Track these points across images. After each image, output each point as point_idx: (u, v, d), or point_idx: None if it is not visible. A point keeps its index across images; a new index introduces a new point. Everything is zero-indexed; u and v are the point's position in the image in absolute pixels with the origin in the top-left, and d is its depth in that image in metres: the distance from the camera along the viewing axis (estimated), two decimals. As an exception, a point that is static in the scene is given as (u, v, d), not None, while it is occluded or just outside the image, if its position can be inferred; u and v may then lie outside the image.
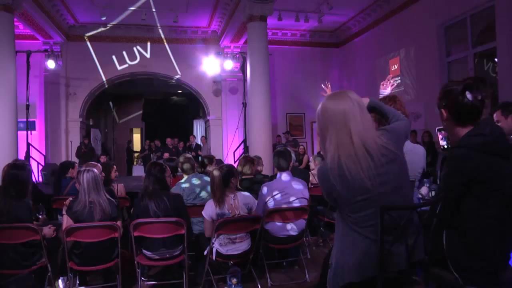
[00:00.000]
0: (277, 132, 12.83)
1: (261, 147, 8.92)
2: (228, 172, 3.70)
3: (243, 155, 6.69)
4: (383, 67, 11.32)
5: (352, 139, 1.74)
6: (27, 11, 9.82)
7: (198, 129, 16.09)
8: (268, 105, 9.33)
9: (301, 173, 5.53)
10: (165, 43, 13.14)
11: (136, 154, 16.37)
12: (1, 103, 8.44)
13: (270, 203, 4.05)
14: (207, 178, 4.67)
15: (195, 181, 4.54)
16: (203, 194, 4.51)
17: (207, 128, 14.76)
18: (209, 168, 5.14)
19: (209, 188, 4.60)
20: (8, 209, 3.49)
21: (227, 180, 3.67)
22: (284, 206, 4.04)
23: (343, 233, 1.83)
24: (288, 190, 4.08)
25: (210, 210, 3.66)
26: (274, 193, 4.06)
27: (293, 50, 13.52)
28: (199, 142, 13.88)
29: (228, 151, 12.44)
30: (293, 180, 4.16)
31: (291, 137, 12.47)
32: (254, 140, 9.27)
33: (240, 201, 3.71)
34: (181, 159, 4.71)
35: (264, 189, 4.09)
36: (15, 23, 9.35)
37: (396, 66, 10.85)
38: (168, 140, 13.34)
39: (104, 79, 12.76)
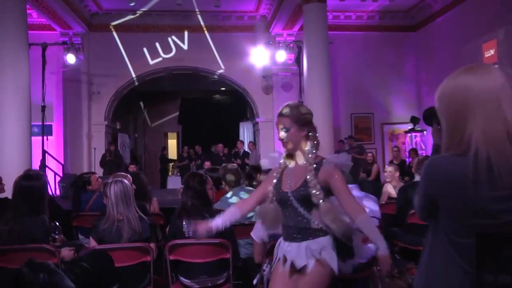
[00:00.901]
0: (339, 136, 12.66)
1: (320, 155, 8.79)
2: None
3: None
4: (474, 54, 10.87)
5: (509, 131, 1.51)
6: (42, -5, 10.21)
7: (245, 133, 16.19)
8: (328, 104, 9.24)
9: (370, 186, 5.38)
10: (205, 32, 13.36)
11: (171, 163, 16.71)
12: (12, 104, 8.73)
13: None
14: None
15: (244, 195, 4.55)
16: (252, 212, 4.49)
17: (255, 132, 14.81)
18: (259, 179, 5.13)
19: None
20: (20, 228, 3.58)
21: None
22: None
23: (435, 259, 1.68)
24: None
25: (260, 230, 3.62)
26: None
27: (359, 36, 13.32)
28: (246, 148, 13.93)
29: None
30: (361, 195, 4.05)
31: (356, 142, 12.26)
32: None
33: None
34: (225, 169, 4.74)
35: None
36: (28, 11, 9.69)
37: (492, 52, 10.39)
38: (219, 147, 13.48)
39: (133, 75, 13.16)
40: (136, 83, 13.53)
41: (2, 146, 8.74)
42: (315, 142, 2.87)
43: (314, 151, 2.83)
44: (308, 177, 2.72)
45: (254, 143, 13.93)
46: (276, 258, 2.92)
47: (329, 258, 2.71)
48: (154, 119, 19.25)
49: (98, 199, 5.12)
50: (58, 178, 10.98)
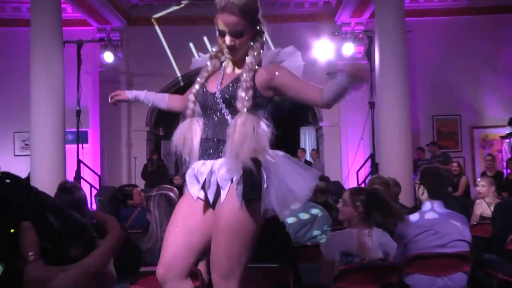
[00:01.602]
0: (418, 143, 12.42)
1: (396, 165, 8.72)
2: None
3: (372, 175, 6.56)
4: None
5: None
6: (77, -12, 10.63)
7: (307, 139, 16.24)
8: (405, 105, 9.11)
9: (457, 203, 5.25)
10: (260, 23, 13.45)
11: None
12: (45, 108, 9.08)
13: (413, 246, 3.89)
14: (318, 210, 4.68)
15: (303, 215, 4.58)
16: (316, 232, 4.55)
17: (319, 138, 14.78)
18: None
19: (323, 223, 4.66)
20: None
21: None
22: (434, 251, 3.86)
23: None
24: (439, 227, 3.89)
25: (334, 245, 3.63)
26: (418, 232, 3.90)
27: (442, 22, 13.04)
28: (308, 157, 13.93)
29: (350, 170, 12.30)
30: (447, 214, 3.97)
31: (440, 150, 12.00)
32: (386, 154, 9.10)
33: (376, 240, 3.65)
34: None
35: (403, 225, 3.95)
36: (62, 5, 10.07)
37: None
38: None
39: (178, 74, 13.41)
40: (182, 83, 13.75)
41: (35, 155, 9.14)
42: (258, 52, 2.63)
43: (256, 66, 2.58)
44: (244, 75, 2.52)
45: (317, 151, 13.89)
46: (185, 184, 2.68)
47: (240, 187, 2.39)
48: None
49: (140, 215, 5.24)
50: (94, 191, 11.32)
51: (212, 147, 2.54)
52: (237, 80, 2.55)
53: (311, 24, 13.16)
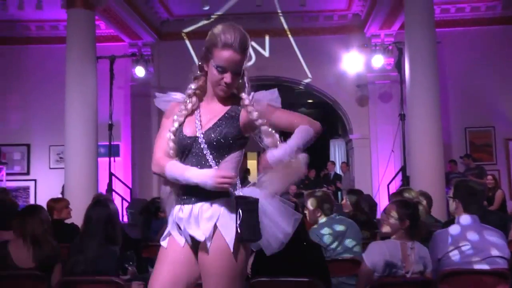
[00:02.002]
0: (450, 155, 12.23)
1: (427, 178, 8.60)
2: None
3: (402, 188, 6.48)
4: None
5: None
6: (111, 6, 10.80)
7: (336, 152, 16.20)
8: (437, 117, 8.98)
9: (495, 217, 5.13)
10: (289, 36, 13.48)
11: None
12: (79, 123, 9.32)
13: (447, 261, 3.81)
14: (348, 223, 4.67)
15: (339, 227, 4.59)
16: (349, 241, 4.55)
17: (349, 151, 14.70)
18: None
19: (356, 234, 4.63)
20: (93, 257, 3.79)
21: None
22: (468, 267, 3.76)
23: None
24: (474, 242, 3.80)
25: (378, 253, 3.59)
26: (452, 247, 3.82)
27: (474, 33, 12.84)
28: (338, 170, 13.86)
29: (380, 183, 12.17)
30: (482, 228, 3.87)
31: (474, 162, 11.79)
32: (417, 167, 8.97)
33: (417, 253, 3.65)
34: (311, 195, 4.78)
35: (437, 240, 3.87)
36: (96, 22, 10.35)
37: None
38: None
39: (209, 88, 13.48)
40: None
41: (69, 168, 9.32)
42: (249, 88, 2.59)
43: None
44: (254, 114, 2.48)
45: (347, 164, 13.80)
46: (166, 232, 2.60)
47: (226, 226, 2.38)
48: (232, 137, 19.53)
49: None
50: (125, 204, 11.43)
51: (190, 192, 2.45)
52: (225, 118, 2.50)
53: (340, 36, 13.13)
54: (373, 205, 9.80)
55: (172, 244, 2.55)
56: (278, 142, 2.47)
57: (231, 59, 2.46)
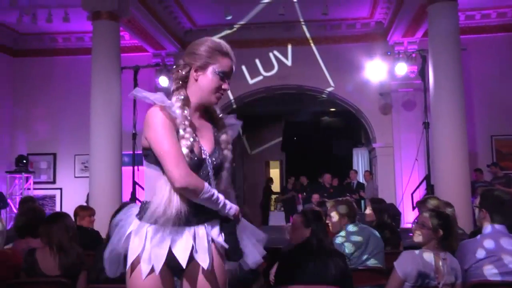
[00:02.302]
0: (476, 164, 12.06)
1: (452, 187, 8.51)
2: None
3: (426, 197, 6.40)
4: None
5: None
6: (135, 17, 11.00)
7: (359, 161, 16.13)
8: (462, 125, 8.87)
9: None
10: (312, 44, 13.48)
11: (274, 196, 16.87)
12: (104, 131, 9.47)
13: (474, 273, 3.74)
14: (370, 231, 4.67)
15: (361, 236, 4.57)
16: (371, 251, 4.54)
17: (372, 160, 14.64)
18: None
19: (378, 243, 4.60)
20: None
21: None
22: (496, 278, 3.69)
23: None
24: (502, 253, 3.71)
25: (411, 263, 3.55)
26: (480, 257, 3.74)
27: (501, 39, 12.69)
28: (361, 179, 13.78)
29: (404, 192, 12.04)
30: (511, 239, 3.79)
31: (501, 171, 11.61)
32: (442, 176, 8.87)
33: (449, 264, 3.61)
34: (339, 202, 4.80)
35: (464, 251, 3.81)
36: (120, 33, 10.54)
37: None
38: (325, 177, 13.44)
39: (231, 97, 13.54)
40: (234, 106, 13.89)
41: (94, 176, 9.43)
42: None
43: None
44: (223, 135, 2.53)
45: (370, 173, 13.71)
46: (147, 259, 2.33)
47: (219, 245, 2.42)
48: (254, 146, 19.58)
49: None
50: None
51: (193, 213, 2.37)
52: (217, 141, 2.53)
53: (363, 44, 13.08)
54: (396, 214, 9.73)
55: (150, 277, 2.33)
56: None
57: (231, 68, 2.55)
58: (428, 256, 3.59)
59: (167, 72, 12.46)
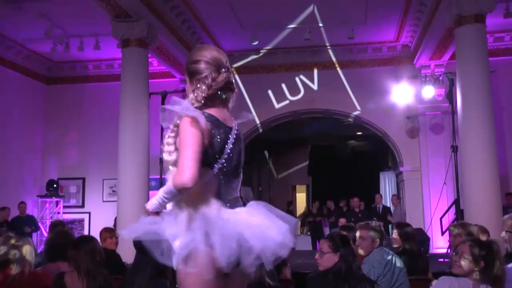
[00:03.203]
0: (508, 188, 11.83)
1: (483, 212, 8.30)
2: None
3: (456, 223, 6.27)
4: None
5: None
6: (163, 44, 11.17)
7: (386, 185, 16.00)
8: (491, 149, 8.70)
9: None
10: (338, 68, 13.49)
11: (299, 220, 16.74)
12: (131, 156, 9.56)
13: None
14: (397, 257, 4.63)
15: (389, 261, 4.52)
16: (398, 275, 4.49)
17: (399, 184, 14.49)
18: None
19: (404, 268, 4.56)
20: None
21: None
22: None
23: None
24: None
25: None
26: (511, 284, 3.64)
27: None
28: (388, 203, 13.61)
29: (432, 217, 11.85)
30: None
31: (535, 196, 11.39)
32: (471, 201, 8.69)
33: None
34: (368, 226, 4.76)
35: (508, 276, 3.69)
36: (149, 60, 10.71)
37: None
38: (355, 201, 13.30)
39: (257, 121, 13.57)
40: (260, 130, 13.91)
41: (121, 201, 9.50)
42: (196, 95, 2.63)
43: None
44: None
45: (398, 197, 13.53)
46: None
47: None
48: (281, 170, 19.58)
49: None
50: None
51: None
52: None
53: (389, 68, 13.09)
54: (425, 239, 9.55)
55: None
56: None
57: None
58: (468, 285, 3.44)
59: (194, 97, 12.57)
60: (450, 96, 10.44)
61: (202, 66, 2.65)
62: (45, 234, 11.77)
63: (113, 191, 12.32)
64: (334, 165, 17.97)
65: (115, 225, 9.80)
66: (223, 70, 2.67)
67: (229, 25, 11.94)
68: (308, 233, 14.74)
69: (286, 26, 12.09)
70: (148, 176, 9.85)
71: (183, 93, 11.52)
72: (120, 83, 10.00)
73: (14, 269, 4.00)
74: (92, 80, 13.91)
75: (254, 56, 13.56)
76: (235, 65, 13.70)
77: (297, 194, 20.09)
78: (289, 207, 16.90)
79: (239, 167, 2.59)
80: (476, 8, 8.85)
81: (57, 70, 14.03)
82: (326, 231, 13.64)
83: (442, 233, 10.27)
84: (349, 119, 14.02)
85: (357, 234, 4.82)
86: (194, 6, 11.03)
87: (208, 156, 2.44)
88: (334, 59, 13.51)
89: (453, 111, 10.04)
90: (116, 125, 9.95)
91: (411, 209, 12.91)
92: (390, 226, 12.80)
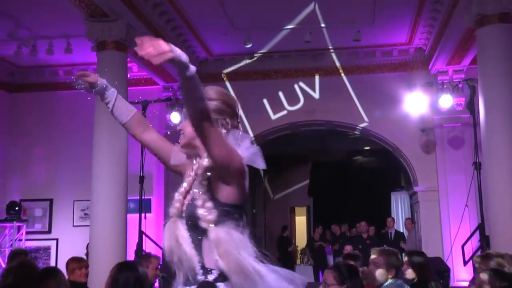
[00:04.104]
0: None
1: (511, 237, 8.23)
2: None
3: (482, 251, 6.16)
4: None
5: None
6: (144, 47, 11.09)
7: (399, 207, 16.07)
8: (519, 165, 8.66)
9: None
10: (342, 75, 13.47)
11: (299, 248, 16.63)
12: (107, 174, 9.39)
13: None
14: None
15: None
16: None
17: (413, 206, 14.49)
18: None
19: None
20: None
21: None
22: None
23: None
24: None
25: None
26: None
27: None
28: (401, 228, 13.57)
29: (453, 244, 11.72)
30: None
31: None
32: (498, 225, 8.65)
33: None
34: (382, 251, 4.74)
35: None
36: (128, 65, 10.57)
37: None
38: (362, 226, 13.25)
39: (251, 134, 13.44)
40: (254, 145, 13.78)
41: (95, 225, 9.39)
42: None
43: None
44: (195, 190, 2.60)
45: (412, 221, 13.48)
46: None
47: None
48: (277, 190, 19.54)
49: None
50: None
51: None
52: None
53: (401, 74, 13.10)
54: (445, 270, 9.42)
55: None
56: None
57: None
58: None
59: (179, 107, 12.41)
60: (471, 106, 10.36)
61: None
62: (3, 265, 11.52)
63: (85, 214, 12.16)
64: (339, 184, 18.02)
65: (87, 253, 9.64)
66: None
67: (219, 26, 11.88)
68: (309, 261, 14.64)
69: (283, 26, 12.05)
70: (126, 197, 9.70)
71: (166, 102, 11.43)
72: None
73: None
74: (63, 87, 13.68)
75: (248, 61, 13.53)
76: (226, 71, 13.67)
77: (296, 218, 20.05)
78: (283, 233, 16.69)
79: None
80: (500, 6, 8.84)
81: (22, 76, 13.87)
82: (330, 260, 13.56)
83: (465, 263, 10.13)
84: (356, 132, 14.03)
85: (371, 257, 4.77)
86: (179, 4, 10.95)
87: None
88: (338, 63, 13.50)
89: (475, 123, 9.97)
90: (90, 139, 9.78)
91: (428, 234, 12.83)
92: (403, 254, 12.70)
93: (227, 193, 2.52)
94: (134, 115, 2.98)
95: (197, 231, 2.49)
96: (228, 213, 2.48)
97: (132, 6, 10.05)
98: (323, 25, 11.89)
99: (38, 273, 4.41)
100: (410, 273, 5.38)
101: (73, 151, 12.95)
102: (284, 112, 13.50)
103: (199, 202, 2.48)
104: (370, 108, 13.21)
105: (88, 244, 9.77)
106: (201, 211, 2.46)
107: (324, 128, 14.22)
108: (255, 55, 13.37)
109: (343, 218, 15.15)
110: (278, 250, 16.08)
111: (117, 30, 9.71)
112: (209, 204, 2.47)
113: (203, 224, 2.45)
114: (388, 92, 12.80)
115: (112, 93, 2.95)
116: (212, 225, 2.43)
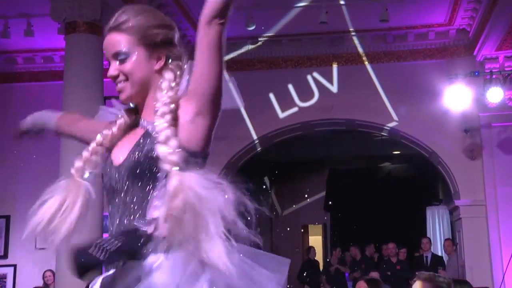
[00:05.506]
0: None
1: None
2: None
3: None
4: None
5: None
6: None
7: (436, 224, 16.20)
8: None
9: None
10: (366, 63, 13.44)
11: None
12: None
13: None
14: None
15: None
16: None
17: (454, 223, 14.56)
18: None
19: None
20: None
21: None
22: None
23: None
24: None
25: None
26: None
27: None
28: (439, 251, 13.54)
29: (505, 271, 11.70)
30: None
31: None
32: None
33: None
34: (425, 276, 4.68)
35: None
36: (103, 51, 10.49)
37: None
38: (390, 248, 13.25)
39: (254, 136, 13.41)
40: (259, 148, 13.81)
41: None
42: (176, 75, 2.41)
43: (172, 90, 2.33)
44: (156, 123, 2.23)
45: (453, 242, 13.40)
46: None
47: None
48: (287, 204, 19.58)
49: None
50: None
51: None
52: (147, 135, 2.31)
53: (439, 61, 13.15)
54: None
55: None
56: None
57: (107, 43, 2.53)
58: None
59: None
60: (527, 100, 10.33)
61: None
62: None
63: (51, 235, 12.03)
64: (362, 197, 17.93)
65: (53, 282, 9.57)
66: None
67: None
68: (325, 288, 14.70)
69: (294, 4, 12.03)
70: (102, 212, 9.51)
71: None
72: (63, 83, 9.83)
73: None
74: (23, 78, 13.71)
75: (251, 46, 13.51)
76: (225, 58, 13.52)
77: (310, 238, 20.02)
78: (308, 256, 16.52)
79: None
80: None
81: (-31, 64, 13.81)
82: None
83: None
84: (383, 133, 14.04)
85: (416, 286, 4.71)
86: (167, -24, 10.89)
87: None
88: (360, 50, 13.50)
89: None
90: (57, 143, 9.61)
91: (473, 259, 12.78)
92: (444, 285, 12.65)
93: (193, 135, 2.31)
94: (59, 119, 2.83)
95: (143, 182, 2.24)
96: (194, 162, 2.22)
97: (108, -22, 10.00)
98: (342, 2, 11.83)
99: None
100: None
101: (35, 157, 12.81)
102: (295, 109, 13.45)
103: (160, 137, 2.17)
104: (400, 104, 13.18)
105: (53, 272, 9.68)
106: (162, 148, 2.15)
107: (344, 128, 14.17)
108: (259, 39, 13.34)
109: (366, 238, 15.09)
110: (304, 275, 16.00)
111: (90, 8, 9.65)
112: (174, 141, 2.18)
113: (165, 166, 2.12)
114: (423, 84, 12.76)
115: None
116: (177, 168, 2.11)
